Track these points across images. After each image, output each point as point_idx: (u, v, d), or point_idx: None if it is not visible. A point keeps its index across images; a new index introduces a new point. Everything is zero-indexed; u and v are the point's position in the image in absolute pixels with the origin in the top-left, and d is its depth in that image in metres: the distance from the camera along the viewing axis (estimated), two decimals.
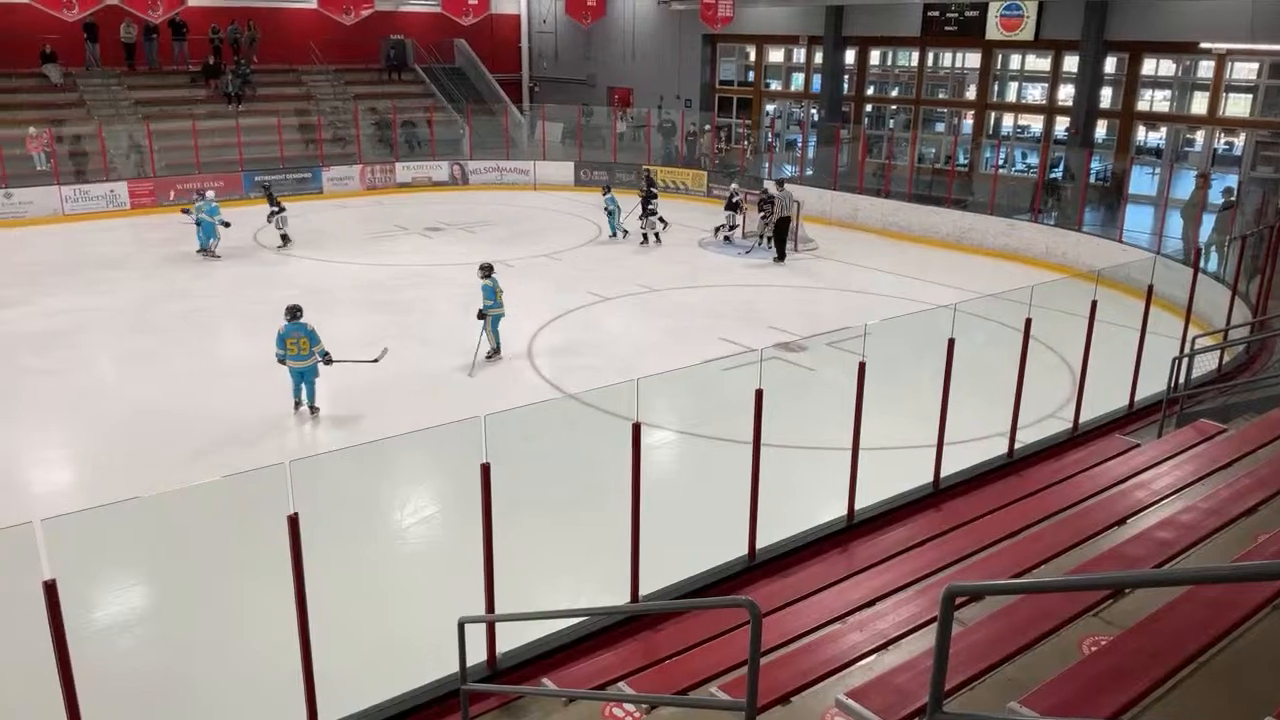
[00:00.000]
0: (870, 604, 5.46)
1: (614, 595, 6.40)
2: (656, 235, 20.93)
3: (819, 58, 28.44)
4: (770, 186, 21.01)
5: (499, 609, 5.65)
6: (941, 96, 27.37)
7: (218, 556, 8.07)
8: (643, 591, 6.24)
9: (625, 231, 21.21)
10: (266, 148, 26.26)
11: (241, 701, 6.49)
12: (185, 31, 28.00)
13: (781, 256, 19.78)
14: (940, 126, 27.56)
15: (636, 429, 5.88)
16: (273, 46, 30.03)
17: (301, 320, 11.35)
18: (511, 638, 5.87)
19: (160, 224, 21.66)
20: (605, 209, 21.13)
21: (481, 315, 13.10)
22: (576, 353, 14.18)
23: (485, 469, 5.34)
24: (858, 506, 7.35)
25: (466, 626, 5.21)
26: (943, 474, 7.93)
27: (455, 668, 5.35)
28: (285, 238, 20.07)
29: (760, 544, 6.82)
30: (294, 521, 4.66)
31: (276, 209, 19.99)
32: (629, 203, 21.18)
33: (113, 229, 21.68)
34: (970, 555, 5.95)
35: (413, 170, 27.65)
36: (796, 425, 9.91)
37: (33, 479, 10.32)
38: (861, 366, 6.99)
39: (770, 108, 31.25)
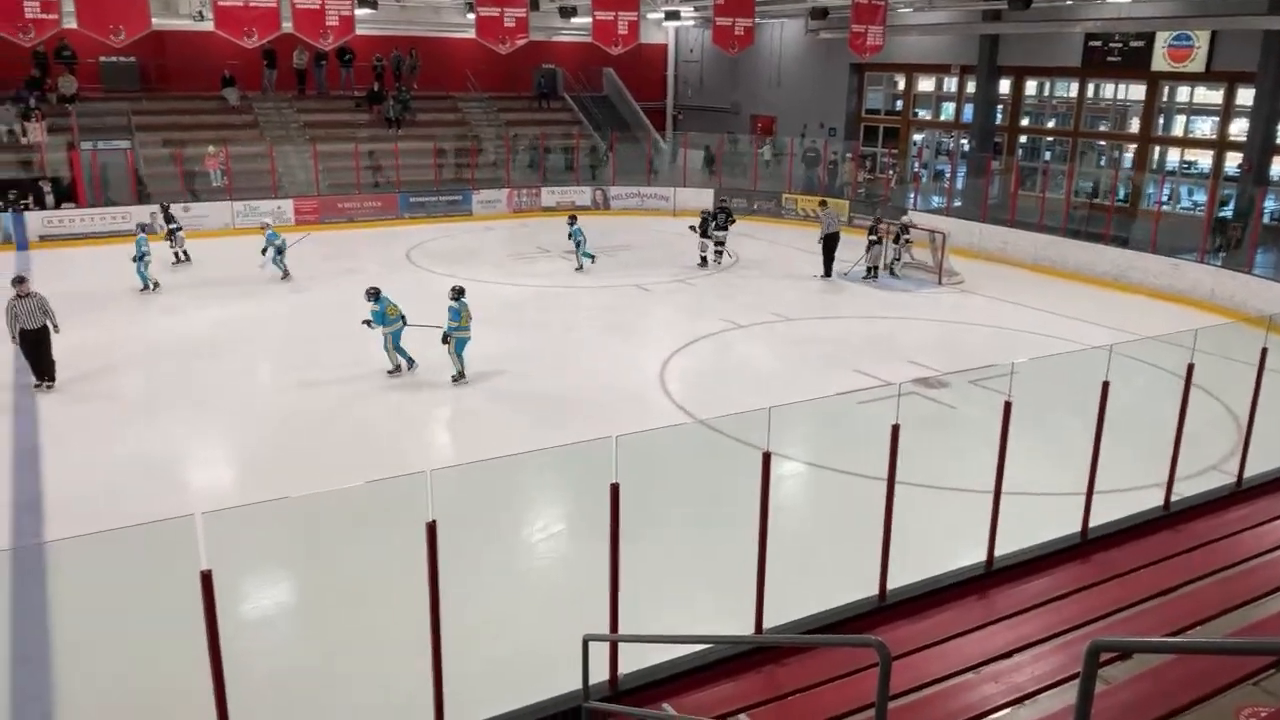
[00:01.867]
0: (1007, 655, 5.21)
1: (736, 625, 6.32)
2: (707, 260, 21.16)
3: (971, 87, 27.74)
4: (908, 218, 20.64)
5: (621, 629, 5.67)
6: (1102, 129, 26.22)
7: (359, 558, 8.40)
8: (767, 624, 6.14)
9: (593, 257, 20.63)
10: (422, 170, 27.48)
11: (372, 701, 6.72)
12: (352, 59, 29.64)
13: (828, 274, 20.23)
14: (1100, 160, 26.38)
15: (767, 458, 5.81)
16: (432, 74, 31.44)
17: (465, 300, 13.32)
18: (633, 659, 5.87)
19: (322, 239, 22.85)
20: (573, 239, 20.36)
21: (445, 339, 13.26)
22: (708, 379, 14.18)
23: (615, 489, 5.38)
24: (998, 553, 7.03)
25: (591, 644, 5.24)
26: (1091, 524, 7.51)
27: (577, 684, 5.38)
28: (181, 255, 20.25)
29: (892, 585, 6.61)
30: (432, 528, 4.80)
31: (174, 227, 20.20)
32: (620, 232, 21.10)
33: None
34: (1118, 611, 5.61)
35: (557, 194, 28.35)
36: (934, 464, 9.61)
37: (194, 475, 11.01)
38: (1007, 406, 6.71)
39: (918, 137, 30.62)
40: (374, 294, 13.53)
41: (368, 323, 13.54)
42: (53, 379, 12.76)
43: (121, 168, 24.38)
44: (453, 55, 31.63)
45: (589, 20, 19.94)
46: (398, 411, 12.44)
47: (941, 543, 8.14)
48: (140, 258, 17.87)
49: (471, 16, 19.45)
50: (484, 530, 8.95)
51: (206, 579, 4.29)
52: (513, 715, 5.51)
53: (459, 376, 13.47)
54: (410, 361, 13.76)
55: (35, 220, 22.21)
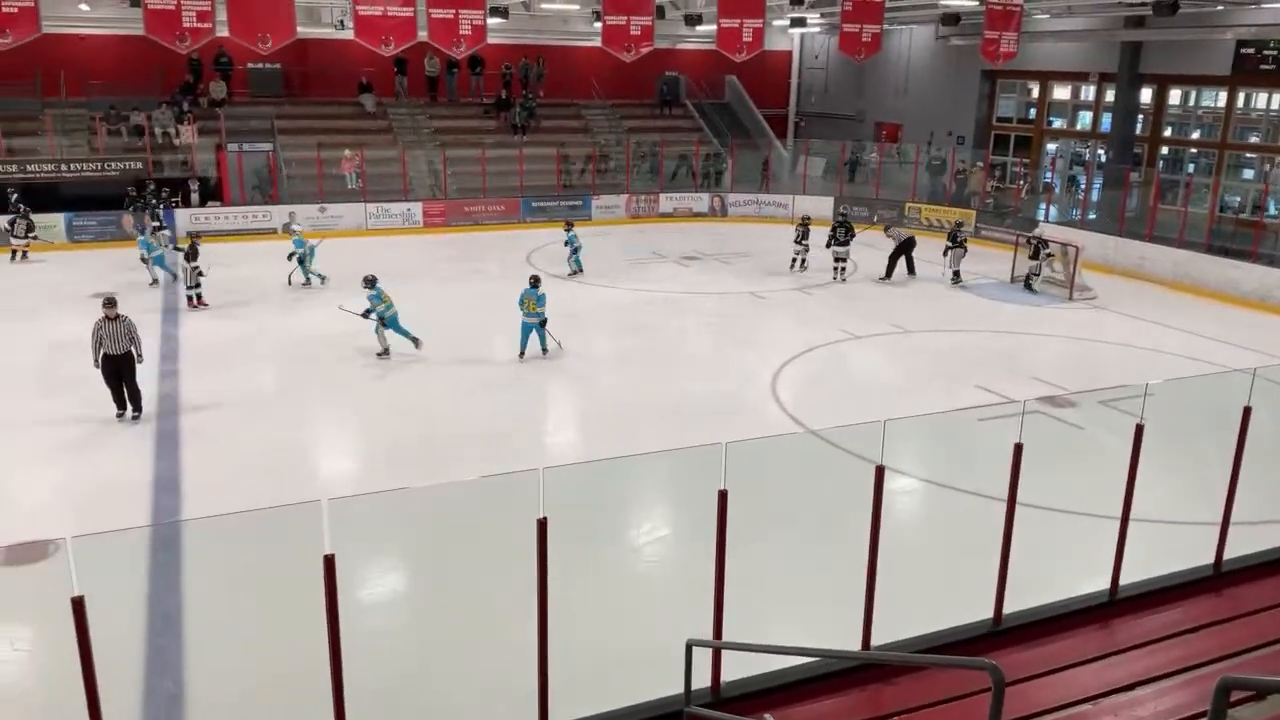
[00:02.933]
0: (1129, 688, 4.97)
1: (842, 640, 6.22)
2: (795, 263, 21.18)
3: (1110, 95, 26.57)
4: (1039, 231, 19.94)
5: (725, 637, 5.65)
6: (1253, 141, 24.73)
7: (473, 551, 8.62)
8: (875, 641, 6.03)
9: (581, 269, 20.61)
10: (545, 176, 28.04)
11: (478, 694, 6.88)
12: (482, 67, 30.47)
13: (888, 276, 20.52)
14: (1248, 174, 24.90)
15: (880, 472, 5.71)
16: (557, 81, 32.05)
17: (537, 289, 14.44)
18: (735, 667, 5.85)
19: (448, 241, 23.54)
20: (568, 245, 20.53)
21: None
22: (822, 389, 14.00)
23: (723, 496, 5.38)
24: (1123, 581, 6.72)
25: (694, 649, 5.25)
26: (1226, 556, 7.10)
27: (679, 688, 5.39)
28: (194, 294, 17.61)
29: (1008, 609, 6.40)
30: (543, 526, 4.90)
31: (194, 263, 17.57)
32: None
33: (406, 245, 23.79)
34: (1253, 649, 5.28)
35: (674, 201, 28.48)
36: (1058, 486, 9.25)
37: (320, 463, 11.51)
38: (1139, 429, 6.41)
39: (1051, 147, 29.54)
40: (371, 281, 14.53)
41: (367, 313, 14.52)
42: (139, 410, 11.89)
43: (264, 169, 25.68)
44: (578, 63, 32.15)
45: (714, 28, 19.98)
46: (510, 409, 12.71)
47: (1062, 568, 7.84)
48: (295, 255, 18.90)
49: (598, 25, 19.75)
50: (592, 530, 9.06)
51: (329, 562, 4.49)
52: (613, 715, 5.56)
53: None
54: (415, 340, 14.69)
55: (183, 217, 23.61)
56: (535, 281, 14.68)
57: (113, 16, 24.91)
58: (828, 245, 20.46)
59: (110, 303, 11.82)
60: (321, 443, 12.13)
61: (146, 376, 13.49)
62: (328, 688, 4.74)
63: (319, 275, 19.36)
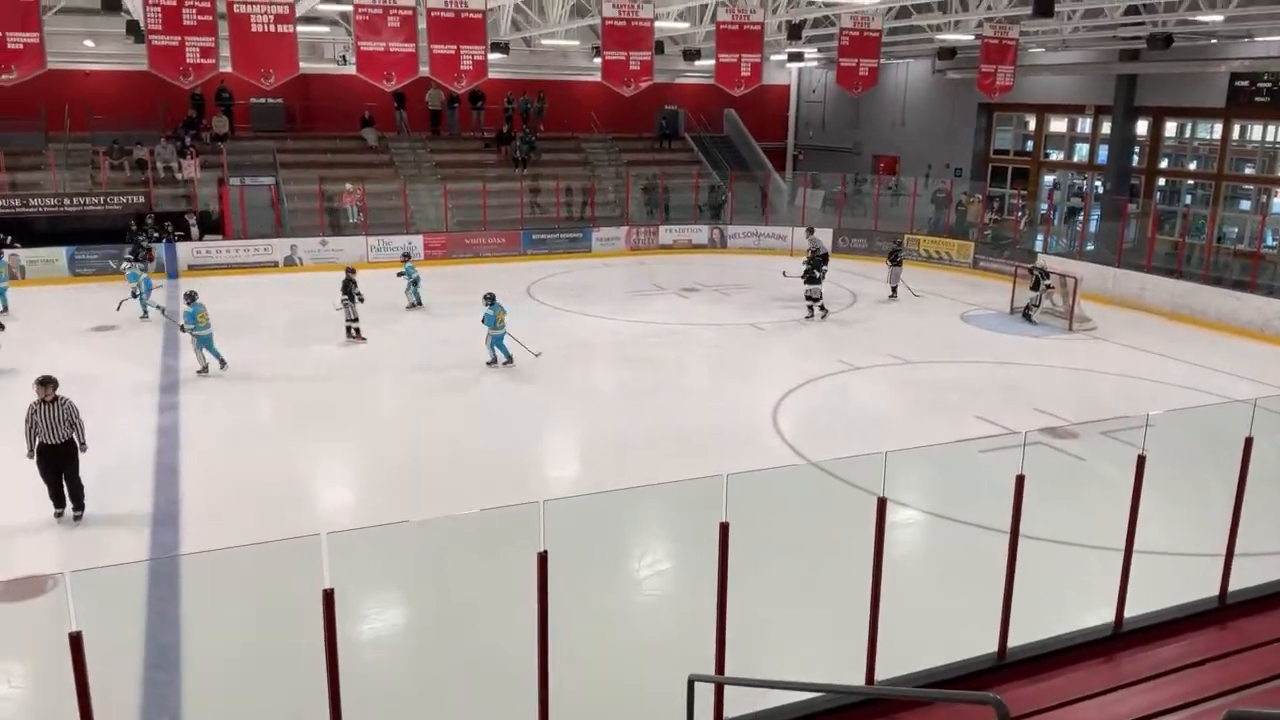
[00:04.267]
0: None
1: (845, 674, 6.16)
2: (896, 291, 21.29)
3: (1107, 128, 26.80)
4: (1041, 262, 20.01)
5: (728, 671, 5.60)
6: (1248, 172, 24.90)
7: (472, 584, 8.57)
8: (878, 675, 5.97)
9: (421, 302, 20.61)
10: (545, 209, 28.20)
11: None
12: (483, 102, 30.74)
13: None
14: (1245, 204, 25.05)
15: (882, 504, 5.69)
16: (557, 115, 32.33)
17: (200, 303, 15.20)
18: (739, 702, 5.79)
19: (449, 274, 23.59)
20: (410, 278, 20.48)
21: (185, 330, 15.24)
22: (822, 420, 13.98)
23: (724, 528, 5.35)
24: (1127, 614, 6.67)
25: (696, 685, 5.20)
26: (1230, 588, 7.05)
27: None
28: (354, 327, 17.76)
29: (1012, 642, 6.34)
30: (543, 559, 4.87)
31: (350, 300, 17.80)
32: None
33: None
34: (1259, 683, 5.24)
35: (674, 233, 28.62)
36: (1061, 518, 9.21)
37: (317, 494, 11.46)
38: (1140, 460, 6.39)
39: (1049, 178, 29.72)
40: (190, 297, 15.35)
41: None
42: (80, 508, 10.03)
43: (266, 203, 25.82)
44: (578, 97, 32.44)
45: (712, 63, 20.17)
46: (511, 441, 12.68)
47: (1066, 601, 7.79)
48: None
49: (598, 60, 19.94)
50: (592, 562, 9.01)
51: (329, 597, 4.46)
52: None
53: (204, 370, 15.25)
54: (509, 357, 15.85)
55: (185, 250, 23.70)
56: (192, 297, 15.53)
57: (117, 52, 25.16)
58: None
59: (46, 382, 9.80)
60: (321, 475, 12.09)
61: (143, 409, 13.53)
62: None
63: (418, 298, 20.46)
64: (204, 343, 15.27)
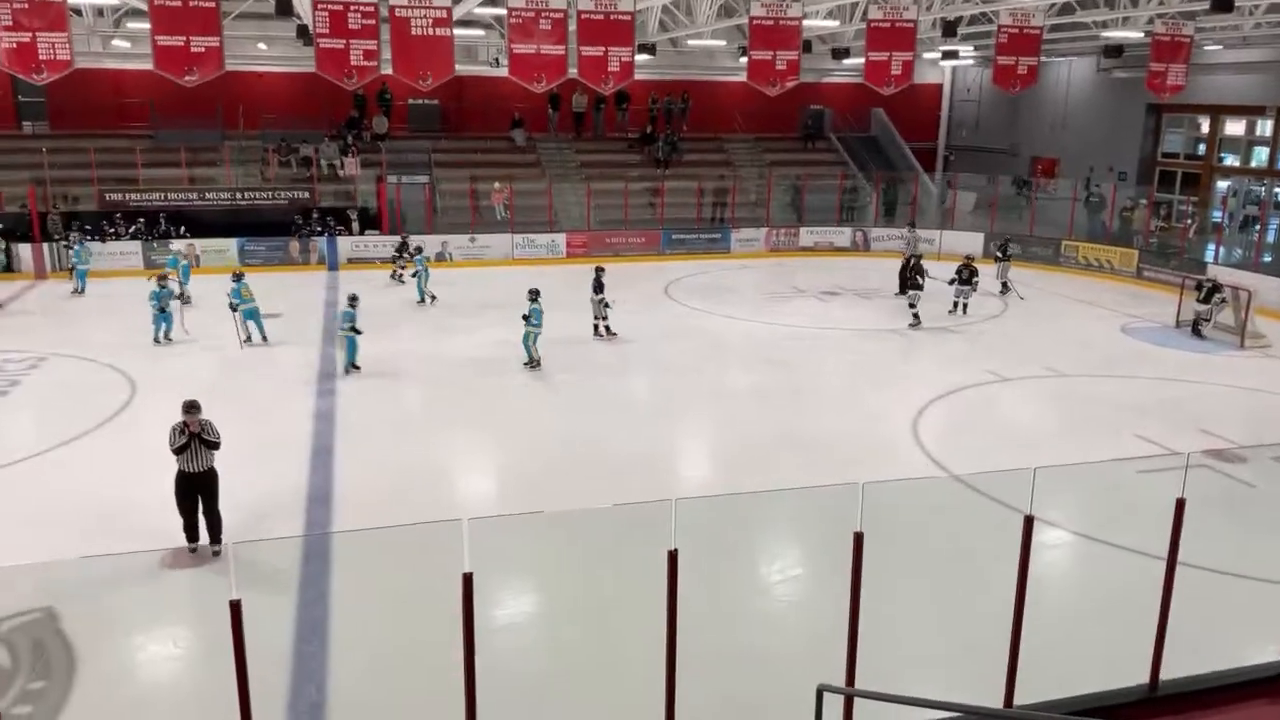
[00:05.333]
0: None
1: (981, 697, 5.94)
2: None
3: None
4: (1215, 275, 18.75)
5: (858, 684, 5.49)
6: None
7: (603, 578, 8.68)
8: (1017, 700, 5.73)
9: (434, 297, 20.70)
10: (686, 209, 28.31)
11: None
12: (628, 103, 31.08)
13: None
14: None
15: (1029, 522, 5.46)
16: (701, 115, 32.35)
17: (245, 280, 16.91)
18: (867, 716, 5.67)
19: (586, 272, 23.93)
20: (414, 272, 21.20)
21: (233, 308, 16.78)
22: (967, 433, 13.50)
23: (858, 538, 5.25)
24: None
25: (825, 695, 5.12)
26: None
27: None
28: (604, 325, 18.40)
29: (1165, 675, 5.98)
30: (673, 557, 4.89)
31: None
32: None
33: (550, 274, 24.35)
34: None
35: (815, 235, 28.21)
36: (1223, 546, 8.62)
37: (463, 482, 11.84)
38: None
39: (1223, 184, 27.83)
40: (534, 294, 15.66)
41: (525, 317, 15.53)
42: (218, 541, 8.96)
43: (420, 200, 26.88)
44: (722, 98, 32.37)
45: (861, 61, 19.80)
46: (647, 439, 12.76)
47: (1229, 635, 7.28)
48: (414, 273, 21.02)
49: (743, 60, 19.88)
50: (723, 565, 8.99)
51: (467, 580, 4.61)
52: None
53: (247, 340, 16.88)
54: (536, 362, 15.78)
55: (345, 244, 24.93)
56: (239, 276, 17.01)
57: (287, 55, 26.71)
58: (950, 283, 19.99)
59: (192, 408, 9.00)
60: (465, 463, 12.48)
61: (303, 395, 14.26)
62: (461, 703, 4.85)
63: (431, 295, 20.71)
64: (250, 315, 16.87)
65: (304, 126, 28.05)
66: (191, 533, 9.09)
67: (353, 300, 15.55)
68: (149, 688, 7.52)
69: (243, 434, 11.29)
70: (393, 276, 23.03)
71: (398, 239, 23.89)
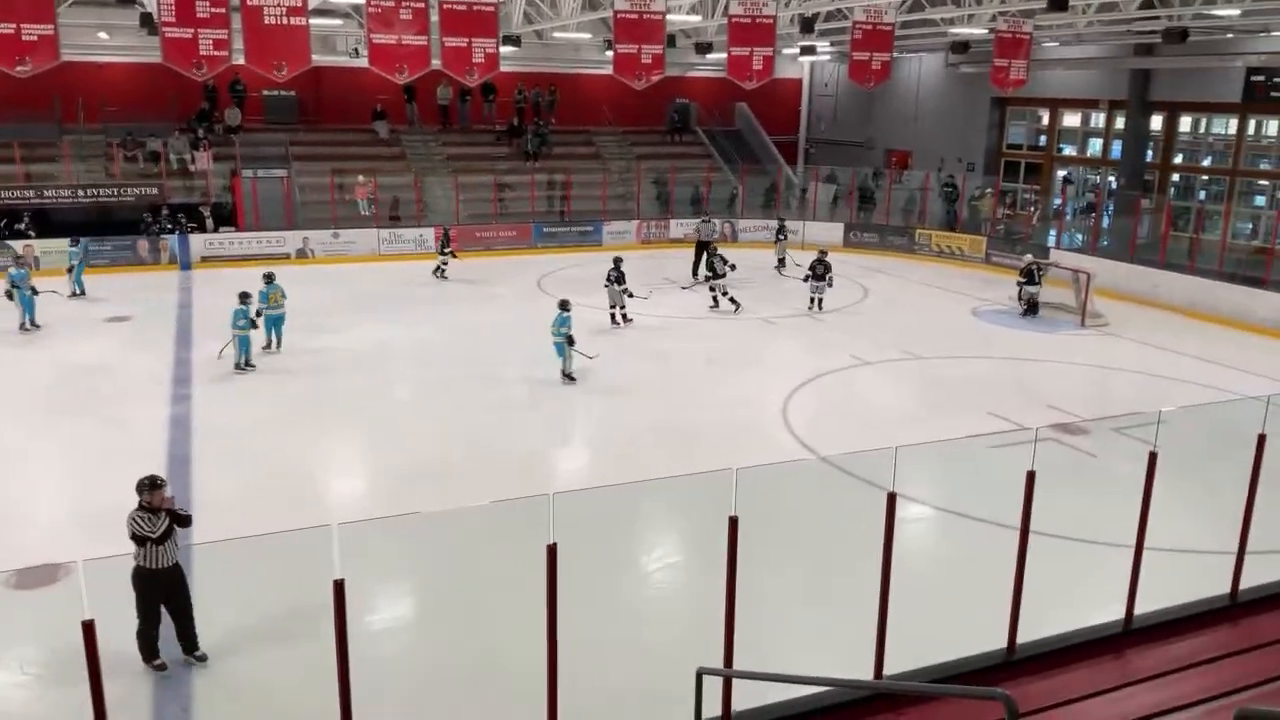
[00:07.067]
0: None
1: (854, 669, 6.17)
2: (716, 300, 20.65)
3: (1120, 122, 26.64)
4: (1029, 258, 20.03)
5: (736, 665, 5.61)
6: (1264, 167, 24.73)
7: (481, 576, 8.59)
8: (886, 670, 5.98)
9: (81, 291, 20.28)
10: (555, 201, 28.21)
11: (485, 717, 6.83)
12: (494, 95, 30.73)
13: (694, 276, 21.67)
14: (1260, 200, 24.88)
15: (892, 499, 5.69)
16: (569, 109, 32.28)
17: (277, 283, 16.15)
18: (747, 696, 5.81)
19: (462, 266, 23.60)
20: (69, 267, 20.47)
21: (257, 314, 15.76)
22: (833, 415, 13.96)
23: (733, 522, 5.36)
24: (1138, 611, 6.65)
25: (705, 678, 5.21)
26: (1242, 585, 7.03)
27: (689, 717, 5.34)
28: (621, 314, 18.83)
29: (1021, 638, 6.34)
30: (552, 551, 4.89)
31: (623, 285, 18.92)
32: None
33: (419, 269, 23.91)
34: (1269, 681, 5.22)
35: (685, 227, 28.56)
36: (1071, 515, 9.19)
37: (334, 486, 11.50)
38: (1152, 457, 6.38)
39: (1062, 173, 29.57)
40: (563, 304, 15.04)
41: (569, 338, 14.77)
42: (196, 647, 7.39)
43: (278, 195, 25.89)
44: (589, 91, 32.39)
45: (724, 56, 20.11)
46: (520, 435, 12.70)
47: (1076, 597, 7.77)
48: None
49: (610, 53, 19.90)
50: (601, 556, 9.03)
51: (339, 587, 4.48)
52: None
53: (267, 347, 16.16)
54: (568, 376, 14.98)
55: (198, 242, 23.80)
56: (270, 278, 16.20)
57: (130, 44, 25.19)
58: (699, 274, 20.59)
59: (156, 485, 7.14)
60: (334, 465, 12.13)
61: (156, 402, 13.56)
62: (336, 714, 4.72)
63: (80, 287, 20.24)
64: (274, 322, 16.19)
65: (151, 119, 26.56)
66: (152, 648, 7.20)
67: (243, 297, 15.14)
68: None
69: (93, 443, 10.67)
70: (436, 271, 22.85)
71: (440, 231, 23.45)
